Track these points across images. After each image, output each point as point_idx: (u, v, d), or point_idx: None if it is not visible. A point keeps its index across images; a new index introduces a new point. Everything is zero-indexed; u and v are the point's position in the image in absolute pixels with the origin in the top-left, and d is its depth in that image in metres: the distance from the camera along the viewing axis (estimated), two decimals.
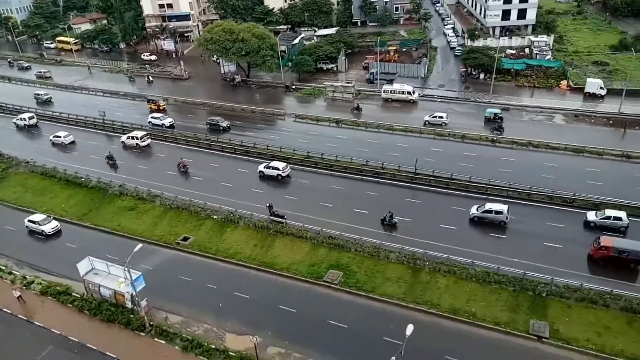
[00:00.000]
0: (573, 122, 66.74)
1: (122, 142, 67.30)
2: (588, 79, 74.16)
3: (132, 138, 66.71)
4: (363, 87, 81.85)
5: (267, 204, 49.02)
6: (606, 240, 40.70)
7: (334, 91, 78.76)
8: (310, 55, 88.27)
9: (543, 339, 34.59)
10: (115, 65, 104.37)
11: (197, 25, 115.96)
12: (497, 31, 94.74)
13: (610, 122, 65.51)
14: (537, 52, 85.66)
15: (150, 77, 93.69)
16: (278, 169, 56.23)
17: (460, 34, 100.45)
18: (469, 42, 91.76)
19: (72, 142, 68.97)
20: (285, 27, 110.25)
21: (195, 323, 38.09)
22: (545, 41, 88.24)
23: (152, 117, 72.73)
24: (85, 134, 72.36)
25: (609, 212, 44.67)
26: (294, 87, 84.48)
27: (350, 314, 37.83)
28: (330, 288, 40.44)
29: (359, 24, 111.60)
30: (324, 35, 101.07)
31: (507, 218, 45.66)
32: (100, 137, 71.58)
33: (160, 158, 64.07)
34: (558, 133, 62.41)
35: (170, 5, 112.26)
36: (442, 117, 66.66)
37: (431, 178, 53.20)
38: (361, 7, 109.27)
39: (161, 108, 77.80)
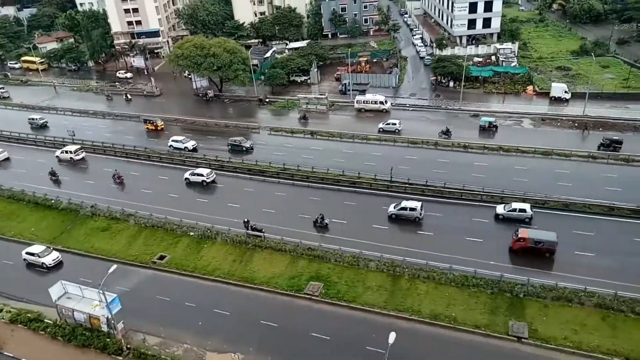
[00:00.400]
0: (540, 126, 68.77)
1: (57, 156, 67.55)
2: (553, 84, 76.70)
3: (66, 152, 67.02)
4: (336, 98, 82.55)
5: (244, 219, 48.57)
6: (523, 232, 42.80)
7: (307, 103, 79.14)
8: (283, 68, 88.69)
9: (522, 340, 35.14)
10: (84, 84, 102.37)
11: (167, 41, 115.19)
12: (464, 40, 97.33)
13: (576, 124, 67.73)
14: (503, 59, 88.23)
15: (128, 95, 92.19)
16: (202, 175, 58.42)
17: (428, 44, 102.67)
18: (437, 52, 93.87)
19: (7, 159, 68.99)
20: (256, 41, 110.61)
21: (175, 343, 37.26)
22: (511, 48, 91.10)
23: (173, 141, 68.37)
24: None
25: (515, 205, 47.51)
26: (267, 100, 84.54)
27: (332, 325, 37.66)
28: (312, 300, 40.22)
29: (329, 36, 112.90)
30: (296, 48, 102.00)
31: (421, 214, 47.94)
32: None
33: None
34: (527, 137, 64.16)
35: (139, 22, 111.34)
36: (395, 124, 68.56)
37: (407, 186, 53.80)
38: (331, 19, 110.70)
39: (159, 128, 74.79)
